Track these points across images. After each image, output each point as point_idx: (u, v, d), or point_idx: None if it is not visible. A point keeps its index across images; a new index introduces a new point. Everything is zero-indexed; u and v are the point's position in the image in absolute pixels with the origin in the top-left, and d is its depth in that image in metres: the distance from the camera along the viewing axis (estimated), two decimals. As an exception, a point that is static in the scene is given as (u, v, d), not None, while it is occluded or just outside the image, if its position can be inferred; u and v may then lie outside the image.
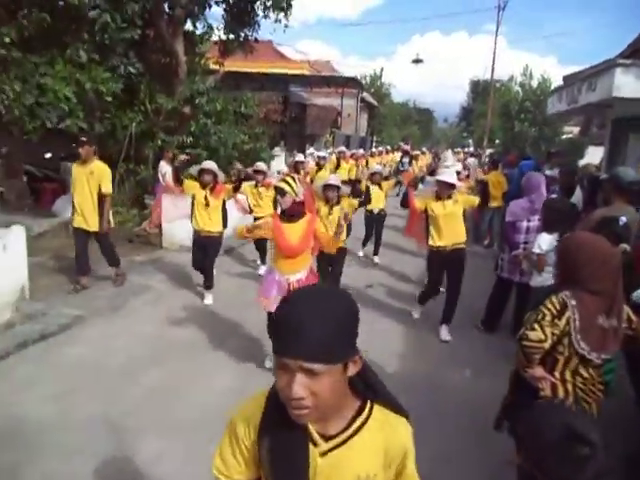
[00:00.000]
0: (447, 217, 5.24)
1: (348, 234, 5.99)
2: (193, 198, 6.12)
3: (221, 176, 6.16)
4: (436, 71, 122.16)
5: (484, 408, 3.67)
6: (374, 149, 19.81)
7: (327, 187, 5.59)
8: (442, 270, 5.49)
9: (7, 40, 7.46)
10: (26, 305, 5.29)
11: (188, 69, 10.63)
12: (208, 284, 6.27)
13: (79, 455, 3.24)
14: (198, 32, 11.78)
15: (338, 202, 5.63)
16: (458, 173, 7.65)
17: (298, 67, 24.79)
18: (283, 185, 4.05)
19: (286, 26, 11.84)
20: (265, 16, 11.71)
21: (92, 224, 6.02)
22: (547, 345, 2.31)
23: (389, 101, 44.81)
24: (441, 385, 4.43)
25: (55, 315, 5.22)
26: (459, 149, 23.77)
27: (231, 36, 11.89)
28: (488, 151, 22.93)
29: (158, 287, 6.58)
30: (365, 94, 29.18)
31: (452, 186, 5.24)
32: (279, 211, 4.29)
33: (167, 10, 10.33)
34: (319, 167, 11.36)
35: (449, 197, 5.23)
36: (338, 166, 12.91)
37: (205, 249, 6.16)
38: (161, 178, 8.88)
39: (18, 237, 5.20)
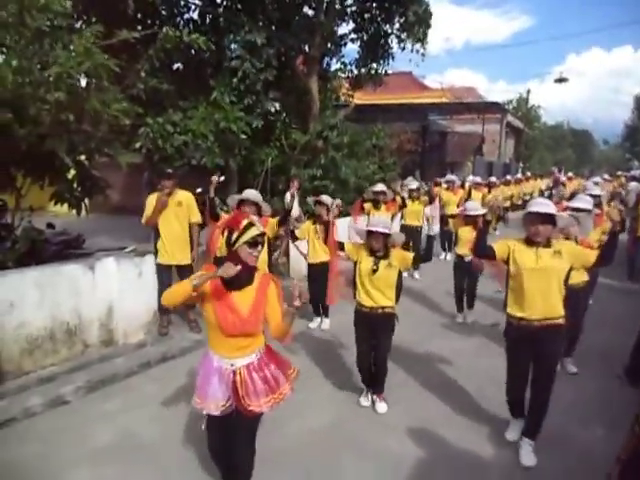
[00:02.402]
0: (539, 274, 3.46)
1: (398, 298, 4.39)
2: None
3: (266, 208, 5.12)
4: (596, 89, 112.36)
5: None
6: (511, 176, 18.05)
7: (370, 234, 4.12)
8: (527, 357, 3.64)
9: (165, 87, 8.43)
10: (157, 327, 5.77)
11: (320, 104, 11.06)
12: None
13: (170, 477, 3.40)
14: (332, 69, 12.30)
15: (386, 255, 4.16)
16: (595, 197, 5.81)
17: (438, 96, 24.53)
18: (255, 230, 2.68)
19: (423, 55, 11.84)
20: (402, 48, 11.85)
21: (183, 257, 5.69)
22: None
23: (539, 124, 42.09)
24: (569, 443, 3.86)
25: (179, 339, 5.62)
26: (620, 172, 21.23)
27: (363, 70, 12.16)
28: (656, 174, 20.19)
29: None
30: (511, 118, 27.76)
31: (548, 219, 3.43)
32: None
33: (302, 50, 10.91)
34: (403, 202, 8.60)
35: (547, 244, 3.49)
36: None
37: None
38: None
39: (152, 265, 5.72)
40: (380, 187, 8.22)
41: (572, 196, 7.47)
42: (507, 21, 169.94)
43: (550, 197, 14.46)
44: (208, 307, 2.68)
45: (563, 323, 3.56)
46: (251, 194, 5.00)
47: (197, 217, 5.84)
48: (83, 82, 5.33)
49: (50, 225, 6.70)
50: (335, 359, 5.53)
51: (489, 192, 12.76)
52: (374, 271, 4.09)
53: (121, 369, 4.90)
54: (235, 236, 2.67)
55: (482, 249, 3.70)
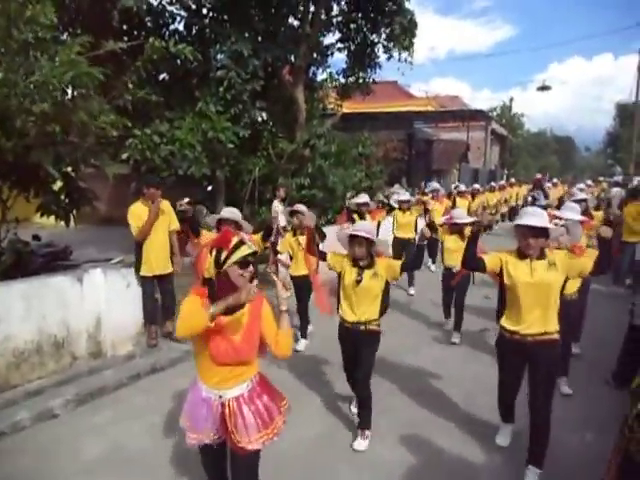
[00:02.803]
0: (535, 289, 3.33)
1: (384, 312, 4.00)
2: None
3: (247, 226, 4.79)
4: (578, 97, 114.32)
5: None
6: (496, 183, 18.24)
7: (352, 239, 3.81)
8: (519, 367, 3.58)
9: (153, 98, 8.40)
10: (145, 339, 5.73)
11: (307, 113, 11.11)
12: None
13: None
14: (318, 79, 12.38)
15: (371, 264, 3.85)
16: (581, 202, 5.60)
17: (423, 104, 24.80)
18: (246, 249, 2.43)
19: (411, 63, 11.92)
20: (389, 57, 11.95)
21: (167, 266, 5.72)
22: None
23: (522, 131, 42.71)
24: (561, 449, 3.81)
25: (168, 350, 5.59)
26: (601, 178, 21.55)
27: (351, 79, 12.23)
28: (636, 179, 20.49)
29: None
30: (495, 126, 28.13)
31: (540, 231, 3.27)
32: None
33: (288, 60, 10.96)
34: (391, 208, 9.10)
35: (540, 256, 3.35)
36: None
37: None
38: (274, 218, 9.08)
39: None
40: (363, 199, 8.14)
41: (560, 203, 7.42)
42: (490, 30, 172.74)
43: (534, 201, 14.42)
44: (198, 334, 2.40)
45: (558, 338, 3.45)
46: (230, 213, 4.72)
47: (176, 224, 5.81)
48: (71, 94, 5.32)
49: (36, 237, 6.64)
50: (318, 375, 5.39)
51: (473, 199, 12.82)
52: (358, 282, 3.80)
53: (110, 381, 4.85)
54: (224, 256, 2.41)
55: (471, 261, 3.56)
